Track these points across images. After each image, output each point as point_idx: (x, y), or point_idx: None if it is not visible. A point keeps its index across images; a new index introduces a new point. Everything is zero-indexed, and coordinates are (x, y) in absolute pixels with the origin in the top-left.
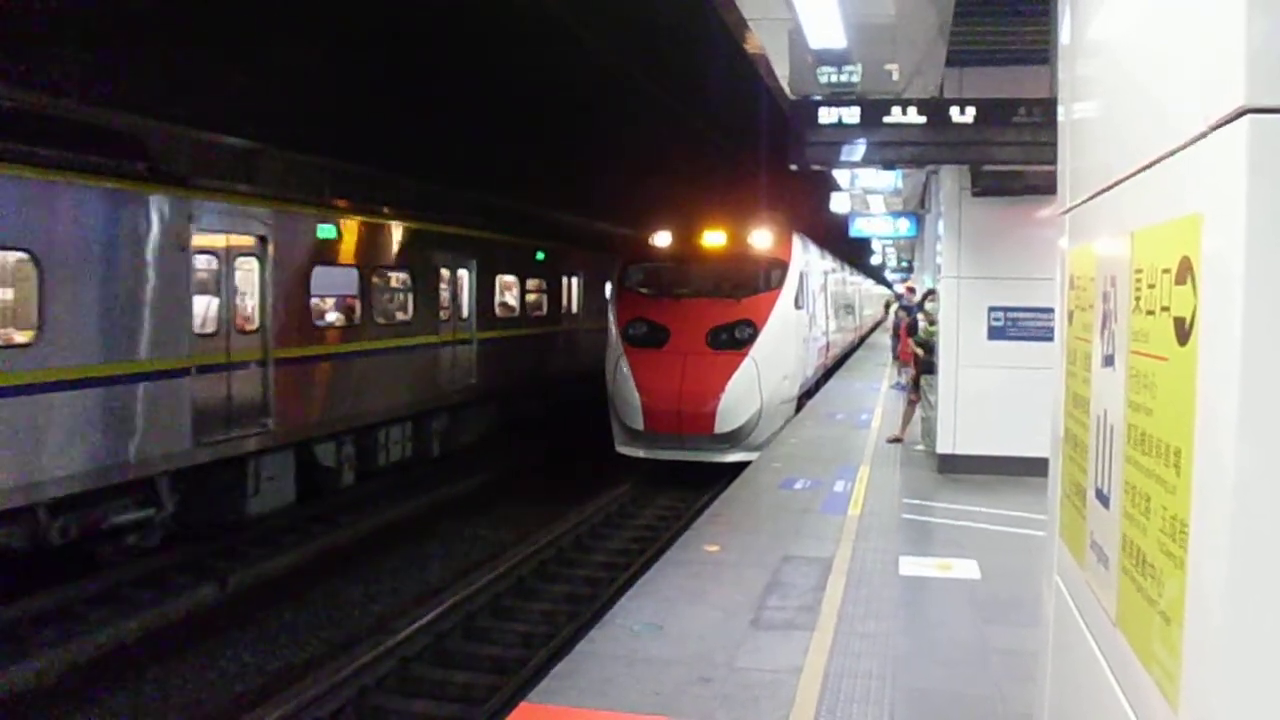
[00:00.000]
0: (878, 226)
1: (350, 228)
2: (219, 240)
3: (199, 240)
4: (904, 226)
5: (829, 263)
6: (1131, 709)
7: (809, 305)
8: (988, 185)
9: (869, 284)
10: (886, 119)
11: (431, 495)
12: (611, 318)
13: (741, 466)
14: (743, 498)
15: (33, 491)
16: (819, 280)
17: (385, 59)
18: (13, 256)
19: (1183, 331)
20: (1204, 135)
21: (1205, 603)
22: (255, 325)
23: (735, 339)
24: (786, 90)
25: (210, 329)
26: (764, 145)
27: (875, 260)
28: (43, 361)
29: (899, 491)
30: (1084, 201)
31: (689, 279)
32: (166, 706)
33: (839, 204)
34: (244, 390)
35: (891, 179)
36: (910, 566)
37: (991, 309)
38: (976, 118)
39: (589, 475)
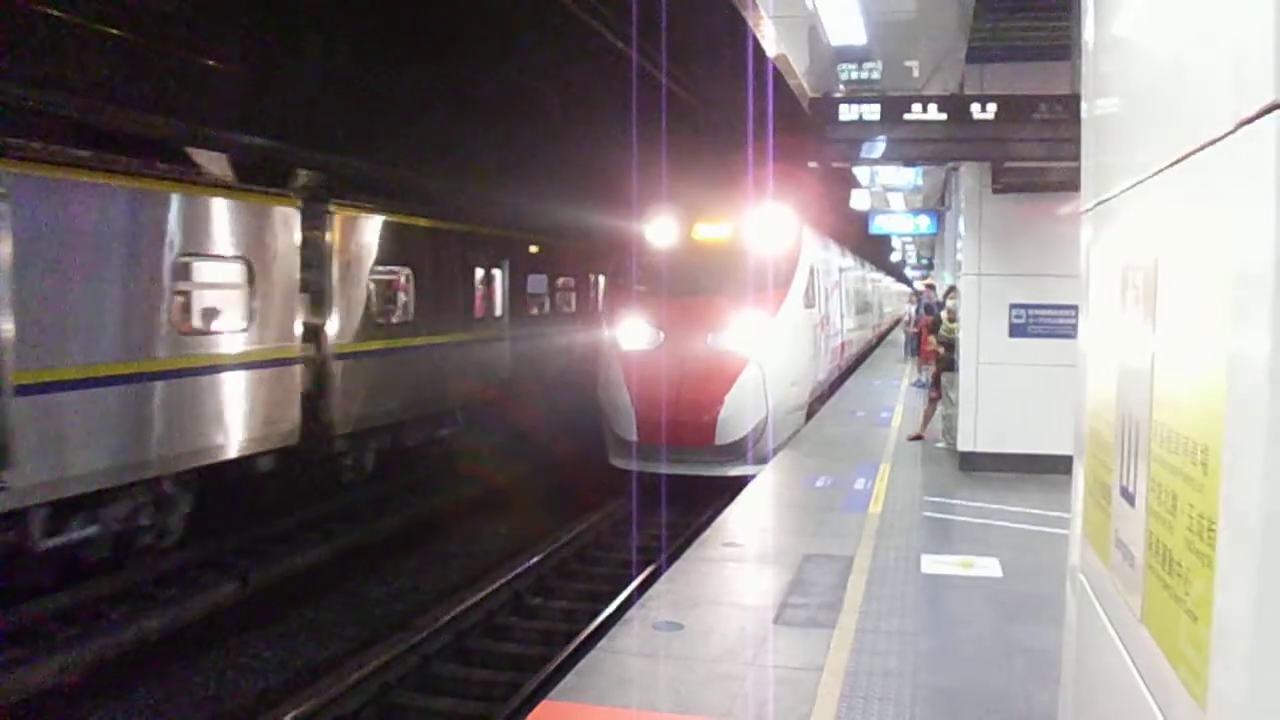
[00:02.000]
0: (898, 224)
1: (541, 245)
2: (486, 259)
3: (476, 259)
4: (924, 224)
5: (844, 258)
6: (1158, 707)
7: (821, 303)
8: (1009, 182)
9: (888, 281)
10: (907, 116)
11: (452, 494)
12: (603, 317)
13: (745, 482)
14: (763, 496)
15: (404, 412)
16: (833, 276)
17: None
18: (402, 271)
19: (1211, 328)
20: (1232, 131)
21: (1233, 600)
22: (501, 313)
23: (738, 341)
24: (806, 87)
25: (480, 315)
26: (772, 134)
27: (895, 257)
28: (415, 333)
29: (920, 489)
30: (1108, 199)
31: (688, 275)
32: (188, 703)
33: (859, 201)
34: (496, 356)
35: (911, 176)
36: (932, 564)
37: (1012, 306)
38: (997, 114)
39: (613, 474)
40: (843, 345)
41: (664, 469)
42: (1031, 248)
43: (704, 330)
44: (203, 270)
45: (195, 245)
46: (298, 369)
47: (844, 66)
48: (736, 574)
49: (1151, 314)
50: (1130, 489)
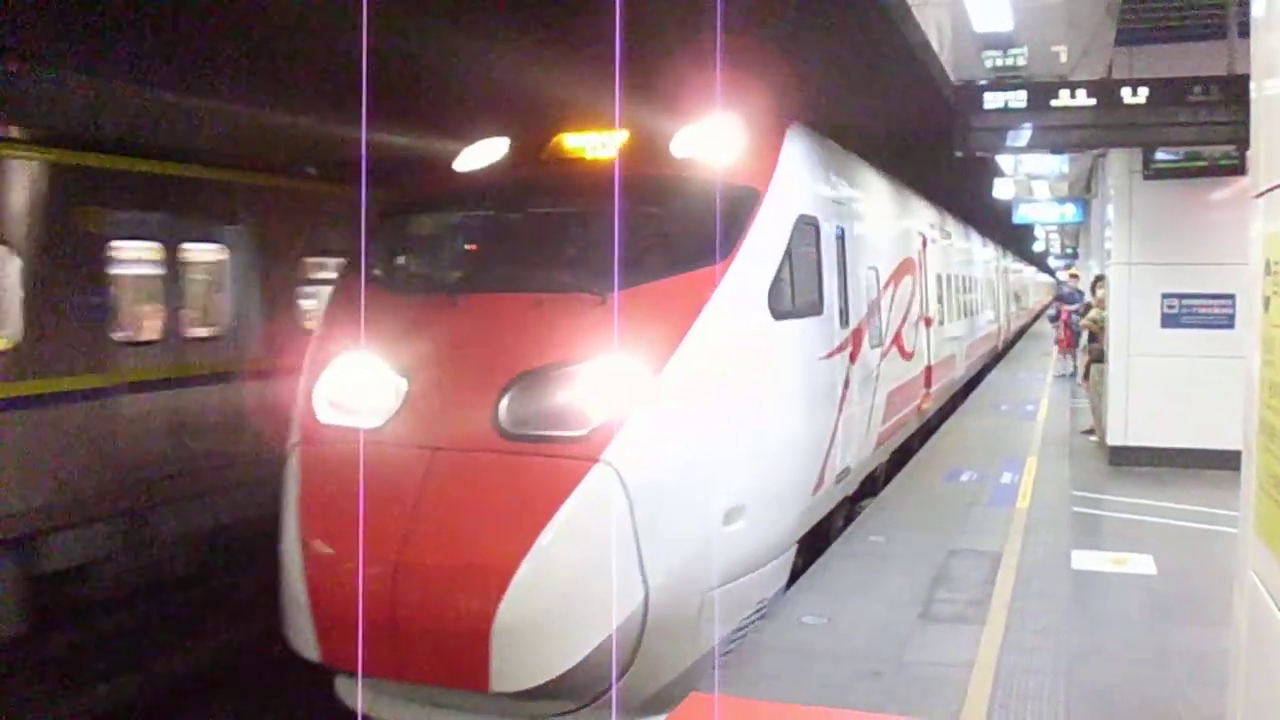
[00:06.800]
0: (1042, 212)
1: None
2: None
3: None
4: (1070, 212)
5: (930, 219)
6: None
7: (845, 301)
8: (1160, 167)
9: (1030, 271)
10: (1054, 102)
11: None
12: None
13: None
14: (907, 490)
15: None
16: (891, 243)
17: None
18: None
19: None
20: None
21: None
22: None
23: (571, 409)
24: (950, 75)
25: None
26: None
27: (1038, 247)
28: None
29: (1069, 484)
30: None
31: (499, 248)
32: None
33: (1002, 190)
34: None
35: (1056, 163)
36: (1083, 561)
37: (1165, 296)
38: (1149, 98)
39: None
40: (928, 372)
41: None
42: (1185, 235)
43: (488, 385)
44: None
45: None
46: None
47: (989, 53)
48: (881, 568)
49: None
50: None
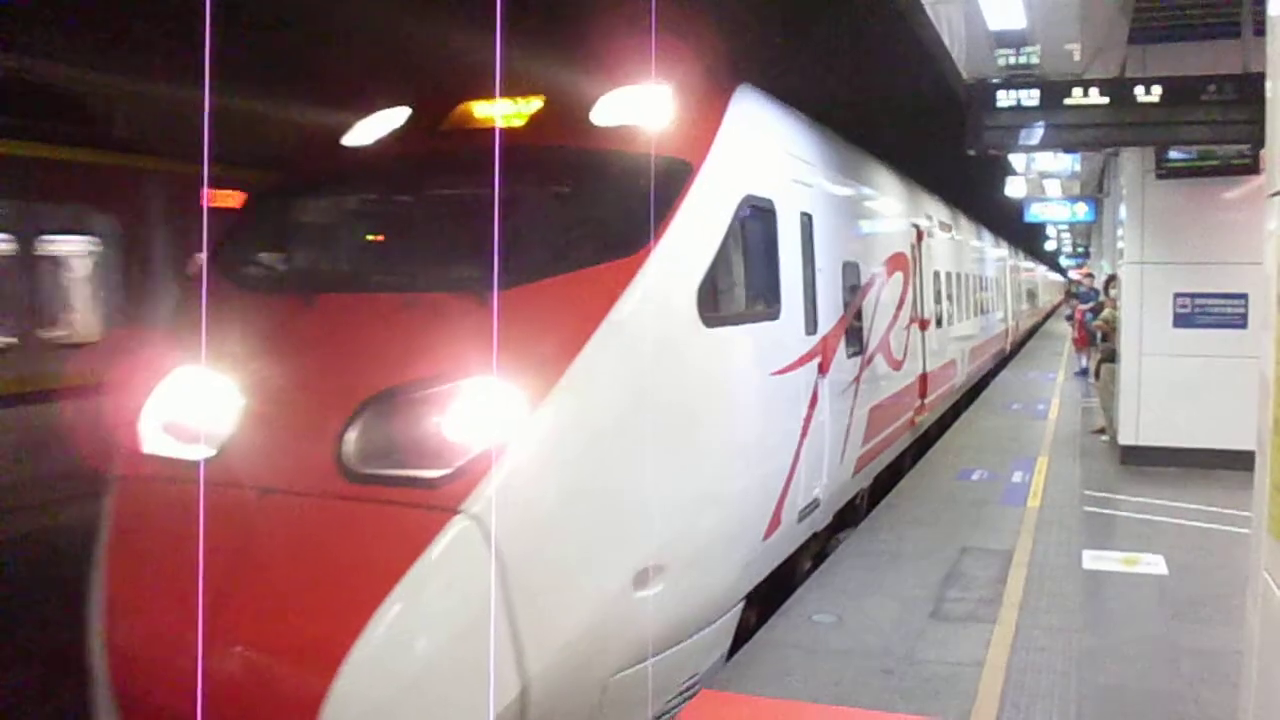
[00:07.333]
0: (1054, 211)
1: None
2: None
3: None
4: (1081, 211)
5: (927, 209)
6: None
7: (811, 302)
8: (1173, 166)
9: (1042, 270)
10: (1067, 101)
11: None
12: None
13: None
14: (919, 489)
15: None
16: (878, 235)
17: None
18: None
19: None
20: None
21: None
22: None
23: (428, 444)
24: (962, 73)
25: None
26: None
27: (1050, 245)
28: None
29: (1080, 483)
30: None
31: (376, 237)
32: None
33: (1014, 188)
34: None
35: (1069, 162)
36: (1094, 560)
37: (1177, 295)
38: (1162, 97)
39: None
40: (923, 380)
41: None
42: (1197, 234)
43: (333, 410)
44: None
45: None
46: None
47: (1002, 52)
48: (892, 567)
49: None
50: None
